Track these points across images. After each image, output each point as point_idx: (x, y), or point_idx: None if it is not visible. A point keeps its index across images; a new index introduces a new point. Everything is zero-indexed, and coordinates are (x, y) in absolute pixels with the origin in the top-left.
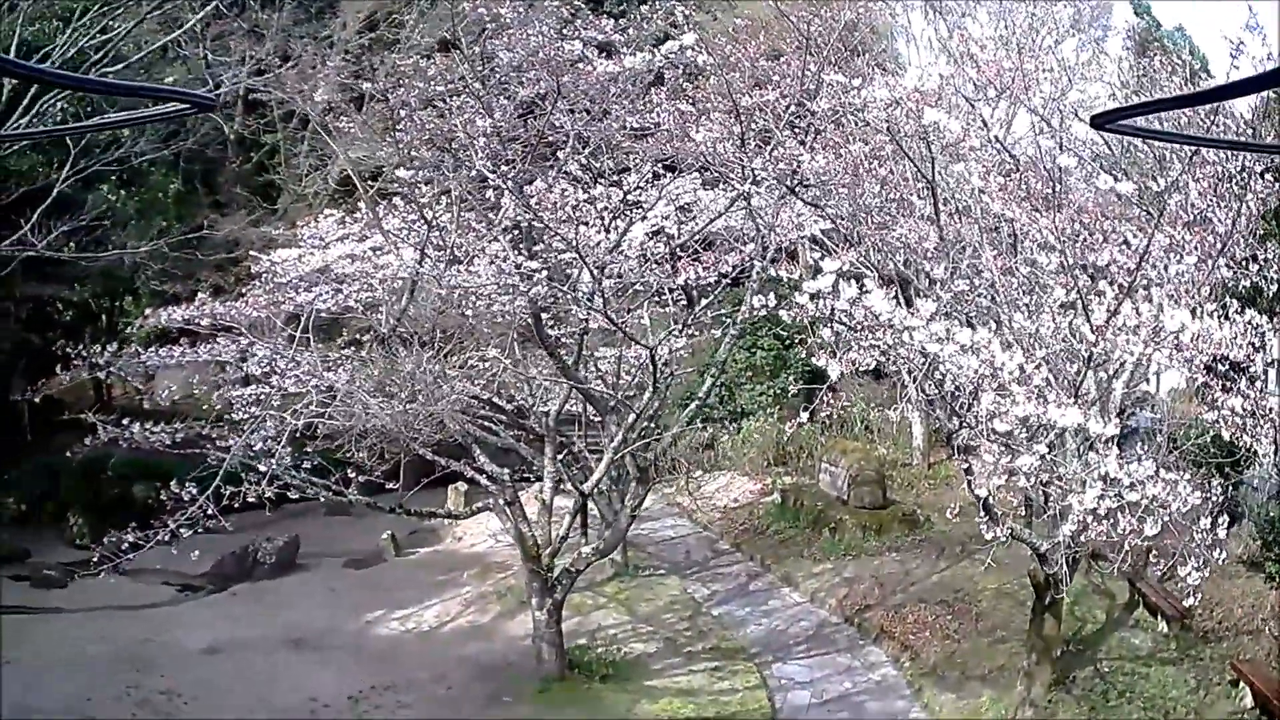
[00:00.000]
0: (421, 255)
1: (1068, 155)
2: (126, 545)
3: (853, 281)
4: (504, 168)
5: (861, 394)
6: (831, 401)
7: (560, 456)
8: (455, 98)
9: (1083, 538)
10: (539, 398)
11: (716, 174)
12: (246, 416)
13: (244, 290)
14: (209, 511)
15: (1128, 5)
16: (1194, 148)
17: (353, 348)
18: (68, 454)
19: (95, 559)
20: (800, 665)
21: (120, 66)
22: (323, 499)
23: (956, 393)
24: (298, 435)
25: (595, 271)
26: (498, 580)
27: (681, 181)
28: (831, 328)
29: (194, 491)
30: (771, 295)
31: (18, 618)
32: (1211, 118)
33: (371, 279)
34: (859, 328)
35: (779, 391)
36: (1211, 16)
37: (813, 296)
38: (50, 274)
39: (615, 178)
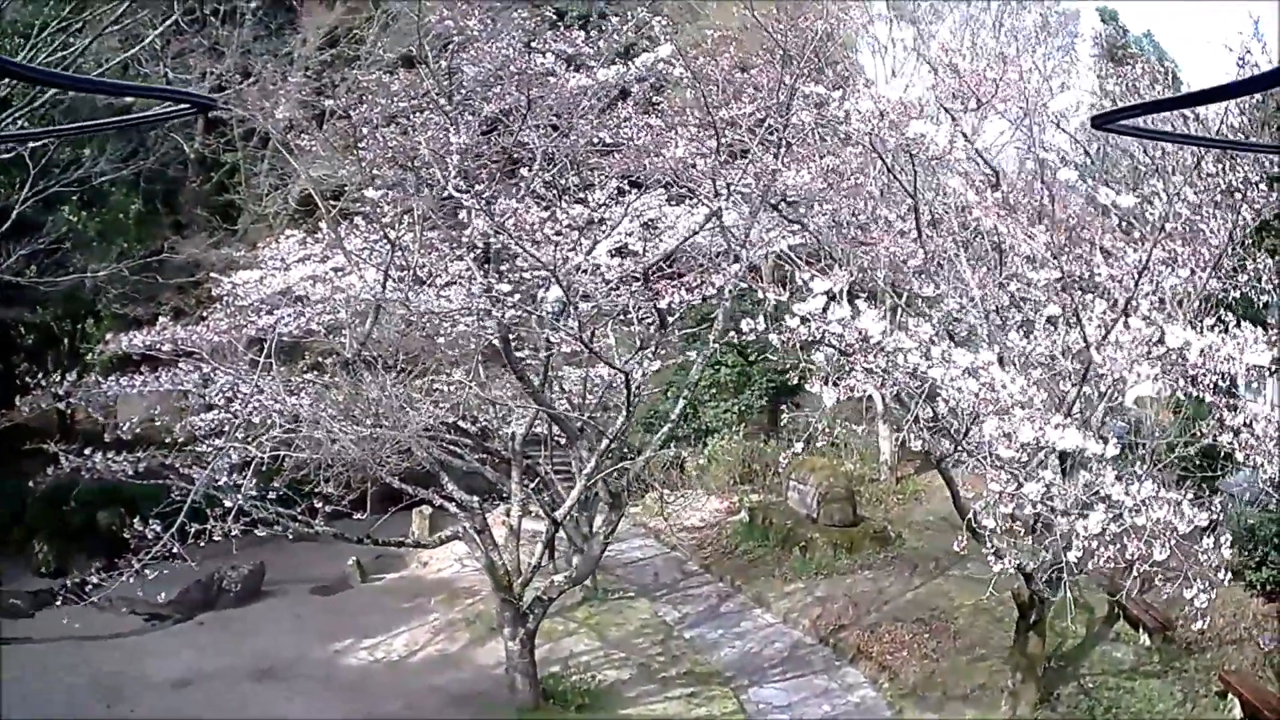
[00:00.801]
0: (385, 276)
1: (1068, 168)
2: (91, 585)
3: (844, 302)
4: (476, 186)
5: (828, 409)
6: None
7: (527, 480)
8: (419, 114)
9: (1090, 564)
10: (503, 420)
11: (684, 189)
12: (209, 448)
13: (205, 313)
14: (173, 549)
15: (1094, 12)
16: (1193, 156)
17: (315, 371)
18: (31, 483)
19: (59, 594)
20: (777, 689)
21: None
22: (289, 532)
23: (950, 416)
24: (263, 467)
25: (568, 293)
26: (465, 606)
27: (647, 198)
28: (824, 351)
29: (158, 529)
30: (761, 319)
31: None
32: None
33: (334, 301)
34: (850, 350)
35: (744, 408)
36: (1177, 21)
37: (804, 319)
38: (11, 297)
39: (580, 195)
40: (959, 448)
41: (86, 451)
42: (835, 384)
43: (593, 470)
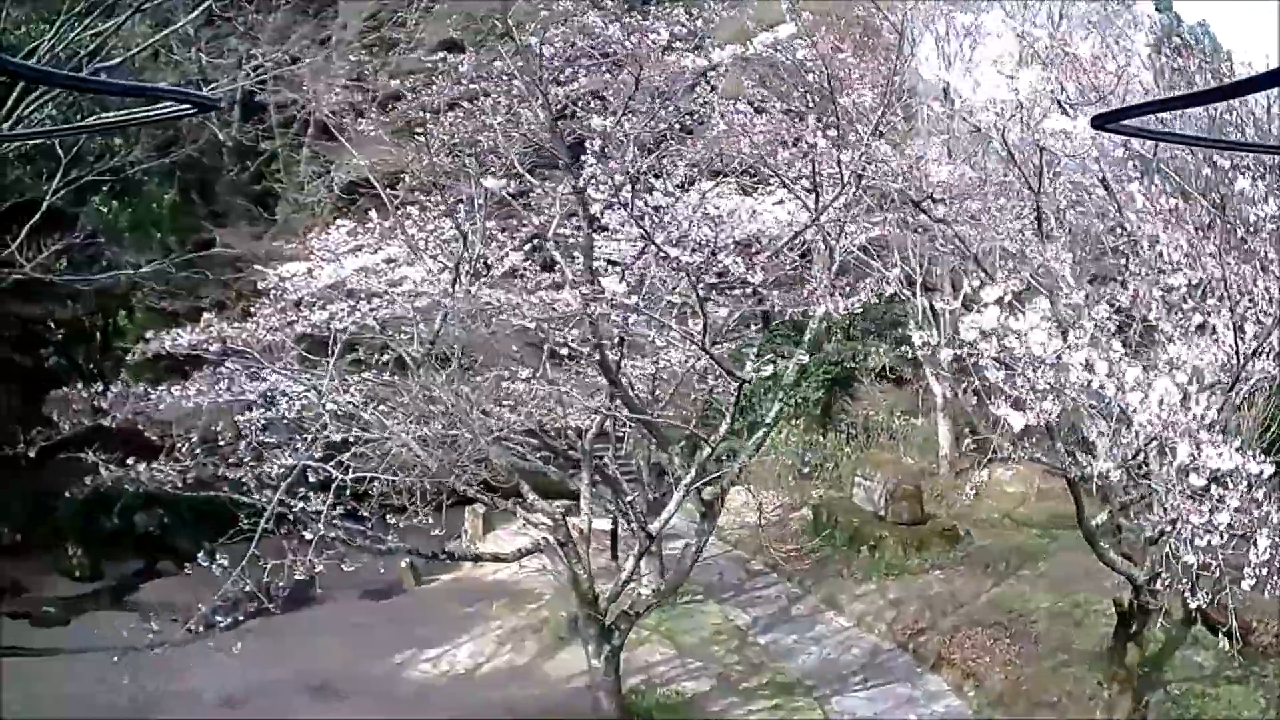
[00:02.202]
0: (458, 270)
1: (1246, 177)
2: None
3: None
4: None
5: (884, 401)
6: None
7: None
8: (482, 98)
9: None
10: (569, 418)
11: (762, 179)
12: (273, 463)
13: (251, 308)
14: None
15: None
16: None
17: (370, 370)
18: (67, 494)
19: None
20: (860, 698)
21: (113, 63)
22: (356, 541)
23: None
24: (332, 483)
25: (699, 293)
26: (530, 612)
27: (721, 187)
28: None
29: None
30: (932, 331)
31: (16, 660)
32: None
33: (390, 295)
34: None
35: (799, 401)
36: (1229, 11)
37: (984, 333)
38: (41, 292)
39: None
40: (1134, 476)
41: (129, 462)
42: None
43: (693, 480)
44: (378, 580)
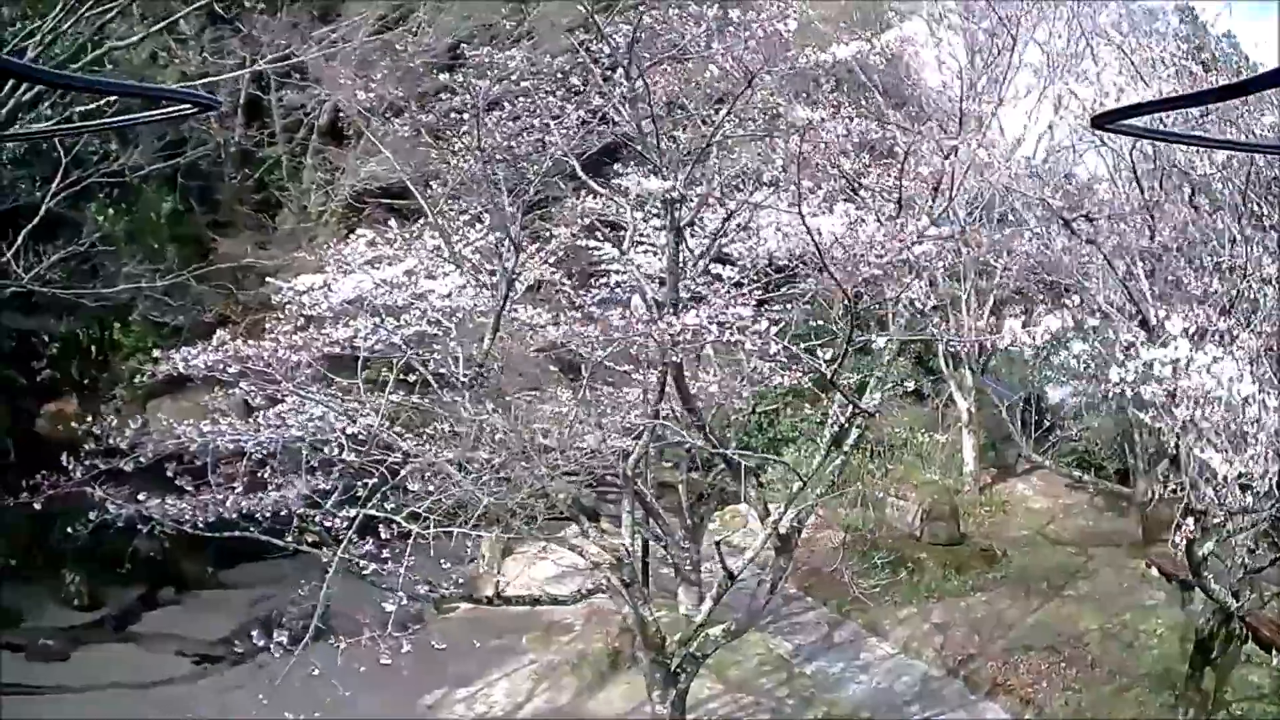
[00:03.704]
0: (508, 285)
1: None
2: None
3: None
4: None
5: (904, 417)
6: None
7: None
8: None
9: None
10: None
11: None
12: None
13: (260, 322)
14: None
15: (1174, 11)
16: None
17: (388, 391)
18: (69, 529)
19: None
20: None
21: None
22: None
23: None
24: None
25: (853, 313)
26: (563, 646)
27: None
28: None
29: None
30: (1129, 367)
31: (15, 699)
32: None
33: (415, 309)
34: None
35: (821, 417)
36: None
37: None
38: (36, 304)
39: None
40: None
41: (141, 497)
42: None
43: (780, 516)
44: (397, 611)
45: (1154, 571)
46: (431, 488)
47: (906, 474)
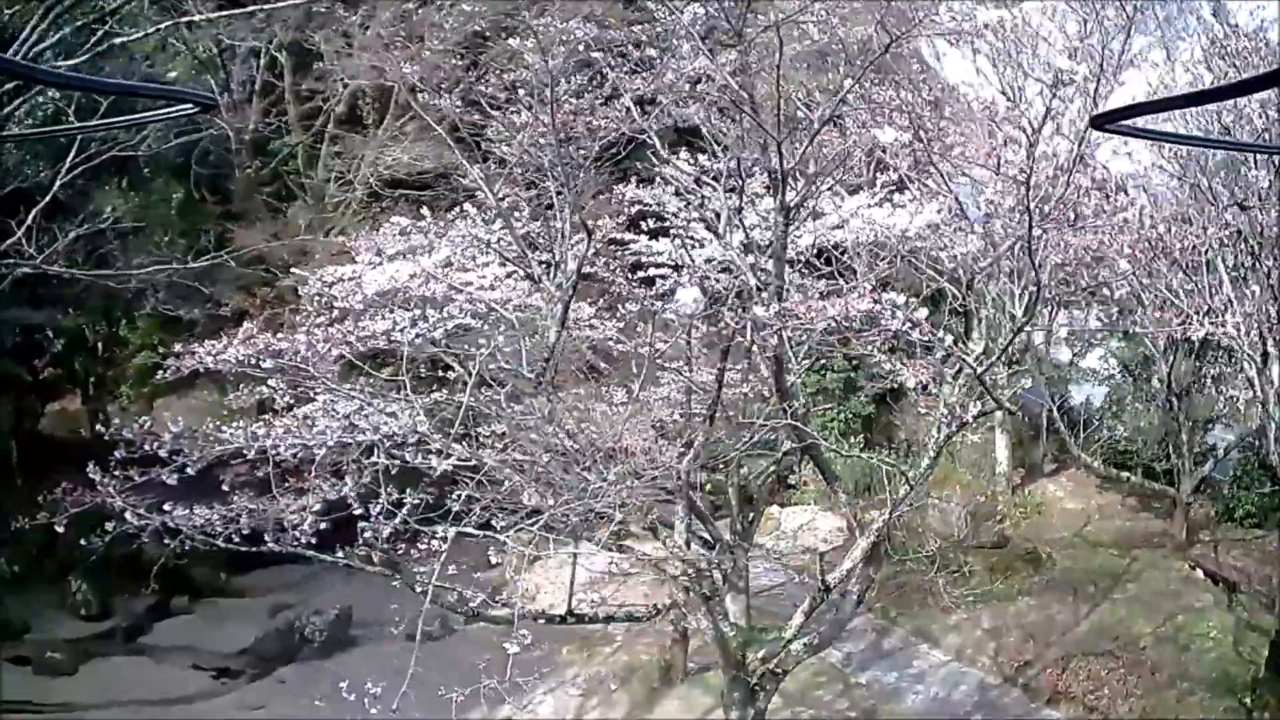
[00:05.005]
0: (578, 275)
1: None
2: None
3: None
4: None
5: (930, 416)
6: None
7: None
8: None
9: None
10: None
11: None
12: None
13: (278, 316)
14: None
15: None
16: None
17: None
18: (83, 541)
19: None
20: None
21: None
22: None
23: None
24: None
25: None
26: (606, 658)
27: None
28: None
29: None
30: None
31: (19, 717)
32: None
33: (455, 301)
34: None
35: (850, 416)
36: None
37: None
38: (41, 296)
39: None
40: None
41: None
42: None
43: (884, 524)
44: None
45: (1198, 573)
46: (489, 495)
47: (945, 475)
